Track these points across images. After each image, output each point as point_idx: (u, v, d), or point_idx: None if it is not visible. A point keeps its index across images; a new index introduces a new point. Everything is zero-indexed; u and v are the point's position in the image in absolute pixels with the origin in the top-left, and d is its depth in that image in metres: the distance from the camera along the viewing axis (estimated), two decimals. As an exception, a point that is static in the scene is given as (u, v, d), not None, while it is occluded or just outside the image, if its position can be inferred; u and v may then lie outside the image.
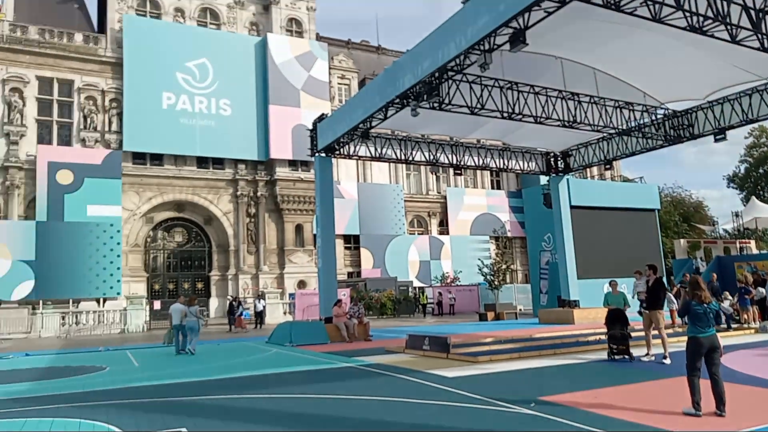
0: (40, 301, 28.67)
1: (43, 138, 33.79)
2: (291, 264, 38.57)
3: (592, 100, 17.35)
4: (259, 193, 38.76)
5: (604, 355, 11.66)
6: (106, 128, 35.05)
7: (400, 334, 19.18)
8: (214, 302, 36.87)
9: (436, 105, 14.91)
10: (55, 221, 31.47)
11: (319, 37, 43.66)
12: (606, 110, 17.69)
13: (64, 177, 32.25)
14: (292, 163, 39.50)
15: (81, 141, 34.29)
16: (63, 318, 26.54)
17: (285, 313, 30.88)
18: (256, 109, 38.76)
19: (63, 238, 31.01)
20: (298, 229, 39.66)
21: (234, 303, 27.78)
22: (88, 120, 34.68)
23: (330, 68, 43.05)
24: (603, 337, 12.27)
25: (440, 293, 36.37)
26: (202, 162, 37.77)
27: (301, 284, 37.56)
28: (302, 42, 41.03)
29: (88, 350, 18.45)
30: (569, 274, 22.63)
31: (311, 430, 6.74)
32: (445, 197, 48.40)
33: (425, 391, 8.66)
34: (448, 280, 42.31)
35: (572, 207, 23.64)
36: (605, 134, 19.68)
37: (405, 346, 13.82)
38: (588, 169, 42.61)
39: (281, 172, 38.98)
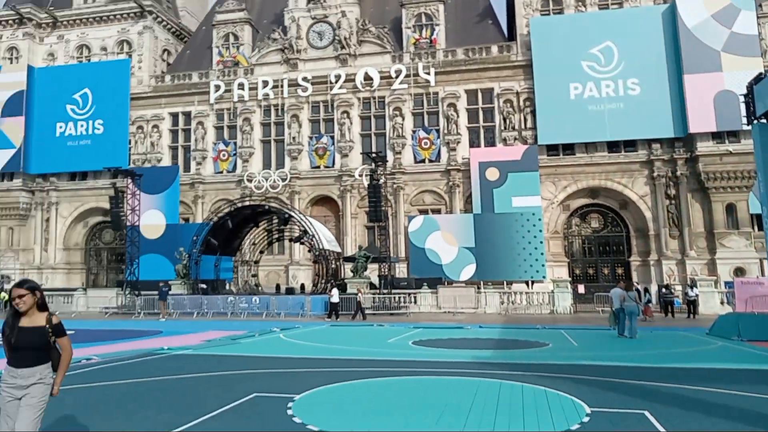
0: (481, 282, 33.62)
1: (473, 142, 39.39)
2: (723, 249, 34.19)
3: None
4: (678, 173, 35.74)
5: None
6: (522, 126, 38.38)
7: None
8: (634, 288, 35.95)
9: None
10: (487, 213, 36.61)
11: (743, -17, 37.22)
12: None
13: (492, 174, 37.01)
14: (717, 136, 34.93)
15: (503, 141, 38.56)
16: (501, 297, 30.48)
17: (722, 303, 27.70)
18: (668, 83, 35.87)
19: (495, 228, 35.78)
20: (730, 209, 34.82)
21: (639, 289, 26.76)
22: (507, 121, 38.67)
23: (758, 17, 36.08)
24: None
25: None
26: (612, 146, 37.26)
27: (738, 272, 32.88)
28: (720, -5, 35.79)
29: (527, 327, 20.80)
30: None
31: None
32: None
33: None
34: None
35: None
36: None
37: None
38: None
39: (703, 146, 34.97)
